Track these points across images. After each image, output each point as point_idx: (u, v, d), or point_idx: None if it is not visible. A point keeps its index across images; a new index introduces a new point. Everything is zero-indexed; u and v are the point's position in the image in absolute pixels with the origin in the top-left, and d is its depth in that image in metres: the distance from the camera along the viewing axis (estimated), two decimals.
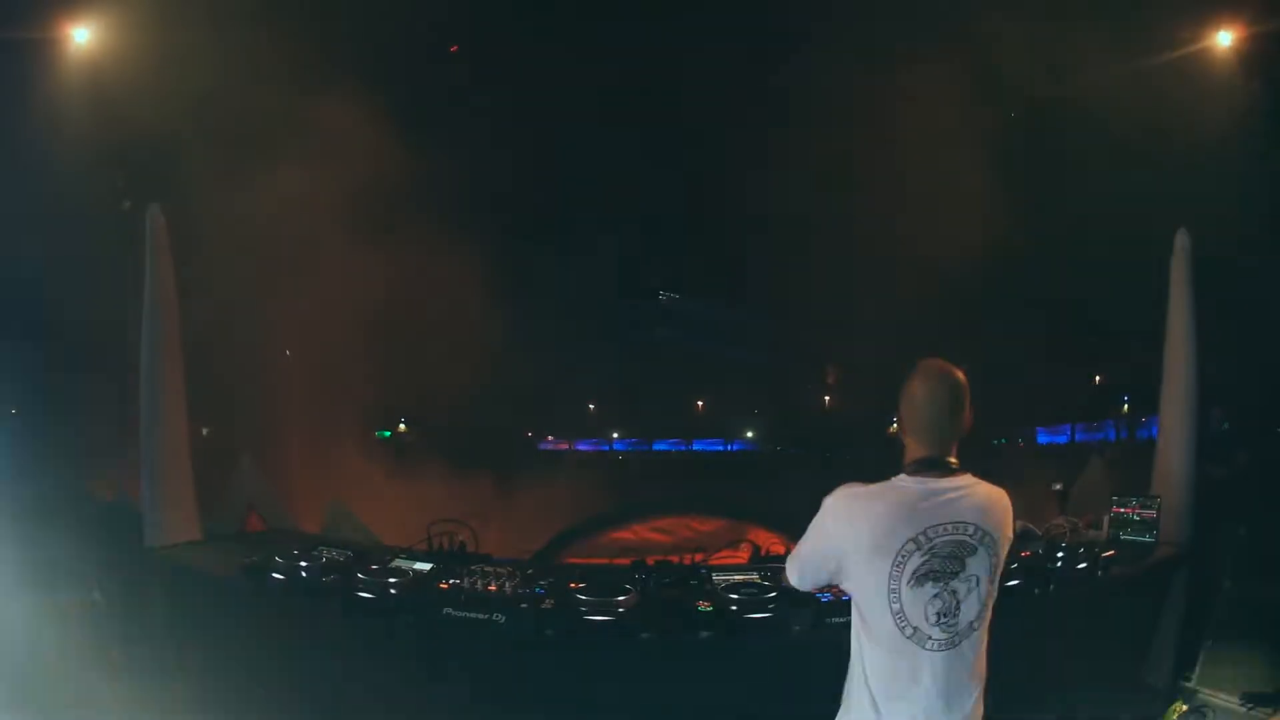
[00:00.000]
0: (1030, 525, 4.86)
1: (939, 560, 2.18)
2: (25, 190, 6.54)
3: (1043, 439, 17.41)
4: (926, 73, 7.90)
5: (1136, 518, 4.55)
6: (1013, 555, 3.84)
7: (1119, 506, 4.66)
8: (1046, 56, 6.74)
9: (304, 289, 10.19)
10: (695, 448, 30.14)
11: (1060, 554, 4.14)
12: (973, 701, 2.22)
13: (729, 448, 30.84)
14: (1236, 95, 5.95)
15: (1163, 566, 4.40)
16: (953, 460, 2.29)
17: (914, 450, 2.31)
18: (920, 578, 2.17)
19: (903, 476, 2.29)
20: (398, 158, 8.03)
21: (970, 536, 2.20)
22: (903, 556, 2.18)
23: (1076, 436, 16.20)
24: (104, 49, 6.05)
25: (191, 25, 6.32)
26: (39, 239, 6.77)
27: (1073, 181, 7.65)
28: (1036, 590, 3.72)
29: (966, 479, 2.27)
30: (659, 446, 30.07)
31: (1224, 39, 5.89)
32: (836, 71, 9.15)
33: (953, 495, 2.23)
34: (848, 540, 2.26)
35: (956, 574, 2.18)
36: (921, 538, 2.18)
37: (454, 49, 9.81)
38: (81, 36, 5.96)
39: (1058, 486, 5.32)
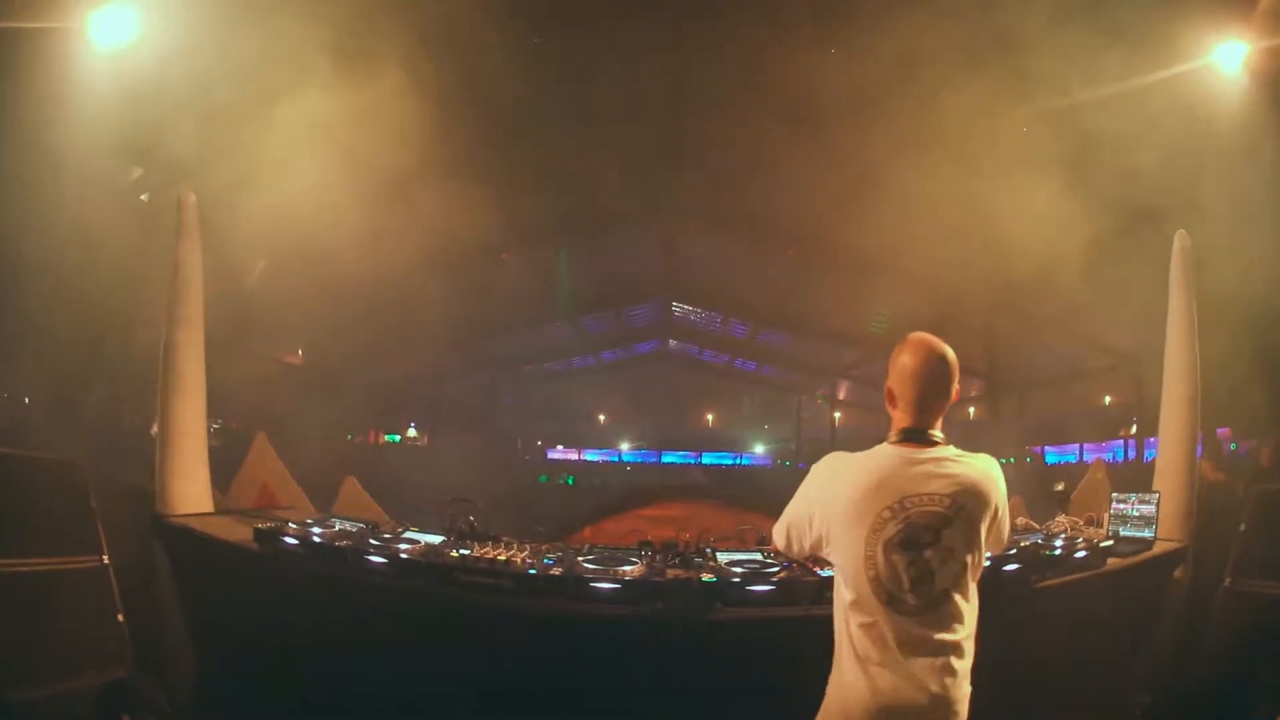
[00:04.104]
0: (1031, 522, 4.94)
1: (914, 529, 2.27)
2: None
3: (1051, 459, 17.38)
4: (937, 85, 7.98)
5: (1135, 512, 4.62)
6: (1011, 544, 3.95)
7: (1119, 502, 4.74)
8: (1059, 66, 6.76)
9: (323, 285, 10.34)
10: (704, 461, 30.08)
11: (1059, 543, 4.22)
12: (955, 667, 2.27)
13: (738, 461, 30.83)
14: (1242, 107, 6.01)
15: (1161, 561, 4.44)
16: (935, 433, 2.39)
17: (898, 421, 2.43)
18: (896, 545, 2.27)
19: (885, 446, 2.41)
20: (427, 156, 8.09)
21: (946, 508, 2.29)
22: (879, 522, 2.28)
23: (1085, 456, 16.16)
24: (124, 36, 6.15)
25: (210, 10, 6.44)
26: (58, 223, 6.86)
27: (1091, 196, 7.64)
28: (1033, 577, 3.78)
29: (949, 451, 2.37)
30: (668, 459, 30.04)
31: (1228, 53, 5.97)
32: (846, 80, 9.21)
33: (932, 467, 2.33)
34: (829, 504, 2.38)
35: (932, 544, 2.27)
36: (897, 506, 2.28)
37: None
38: (100, 25, 6.03)
39: (1059, 487, 5.37)
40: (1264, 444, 5.13)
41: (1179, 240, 5.02)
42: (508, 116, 10.58)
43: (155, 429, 4.82)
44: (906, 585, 2.25)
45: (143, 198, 7.76)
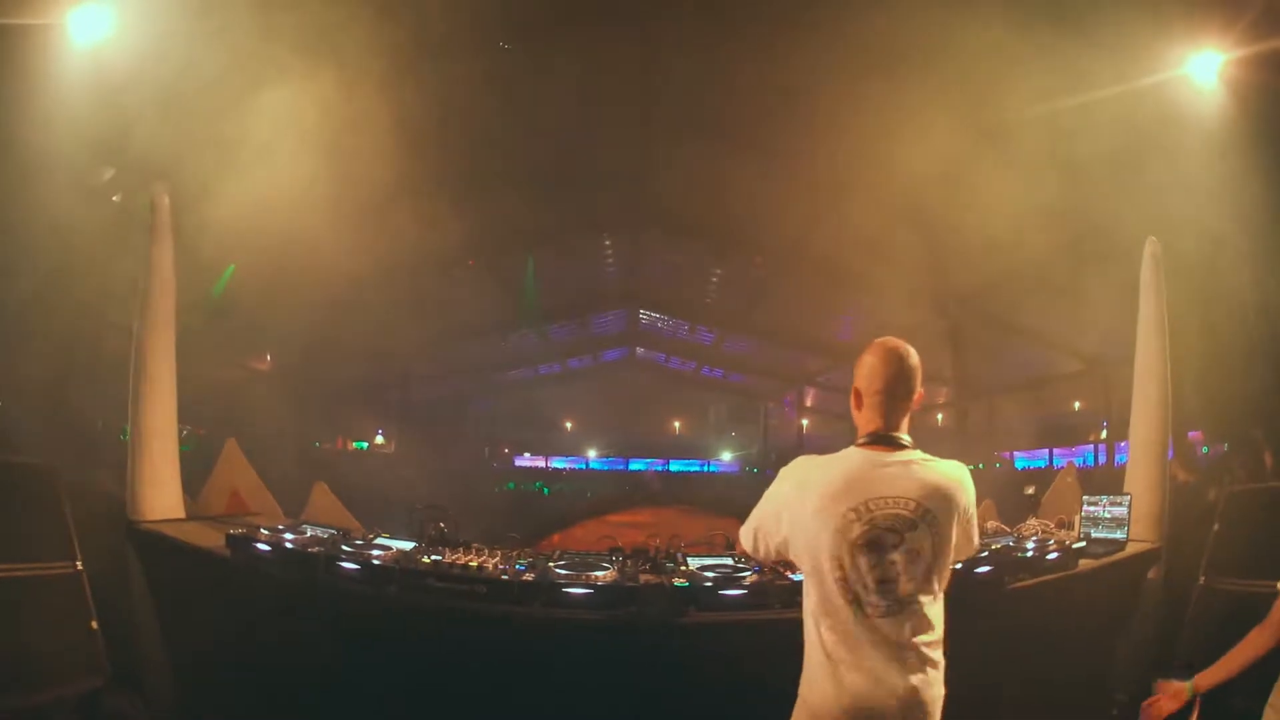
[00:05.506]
0: (1002, 526, 4.99)
1: (879, 531, 2.29)
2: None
3: (1020, 464, 17.56)
4: (903, 92, 8.05)
5: (1107, 514, 4.69)
6: (982, 547, 3.99)
7: (1090, 505, 4.81)
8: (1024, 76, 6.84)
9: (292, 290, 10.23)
10: (671, 468, 30.01)
11: (1031, 544, 4.29)
12: (924, 668, 2.29)
13: (705, 468, 30.81)
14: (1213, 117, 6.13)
15: (1135, 561, 4.54)
16: (903, 436, 2.41)
17: (865, 424, 2.45)
18: (861, 547, 2.28)
19: (853, 448, 2.43)
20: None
21: (910, 511, 2.31)
22: (845, 524, 2.29)
23: (1055, 461, 16.35)
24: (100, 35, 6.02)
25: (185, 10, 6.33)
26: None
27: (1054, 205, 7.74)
28: (1007, 579, 3.83)
29: (916, 454, 2.40)
30: (635, 466, 29.95)
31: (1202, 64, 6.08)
32: (814, 87, 9.26)
33: (898, 469, 2.35)
34: (796, 506, 2.40)
35: (896, 546, 2.29)
36: (862, 508, 2.30)
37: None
38: (80, 21, 5.89)
39: (1029, 490, 5.44)
40: (1258, 446, 5.23)
41: (1149, 246, 5.14)
42: (474, 126, 10.52)
43: (126, 433, 4.73)
44: (872, 587, 2.27)
45: (115, 199, 7.60)
